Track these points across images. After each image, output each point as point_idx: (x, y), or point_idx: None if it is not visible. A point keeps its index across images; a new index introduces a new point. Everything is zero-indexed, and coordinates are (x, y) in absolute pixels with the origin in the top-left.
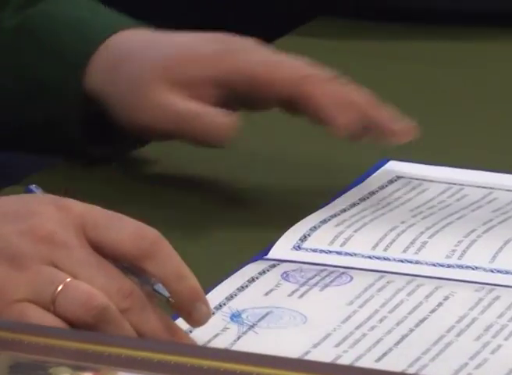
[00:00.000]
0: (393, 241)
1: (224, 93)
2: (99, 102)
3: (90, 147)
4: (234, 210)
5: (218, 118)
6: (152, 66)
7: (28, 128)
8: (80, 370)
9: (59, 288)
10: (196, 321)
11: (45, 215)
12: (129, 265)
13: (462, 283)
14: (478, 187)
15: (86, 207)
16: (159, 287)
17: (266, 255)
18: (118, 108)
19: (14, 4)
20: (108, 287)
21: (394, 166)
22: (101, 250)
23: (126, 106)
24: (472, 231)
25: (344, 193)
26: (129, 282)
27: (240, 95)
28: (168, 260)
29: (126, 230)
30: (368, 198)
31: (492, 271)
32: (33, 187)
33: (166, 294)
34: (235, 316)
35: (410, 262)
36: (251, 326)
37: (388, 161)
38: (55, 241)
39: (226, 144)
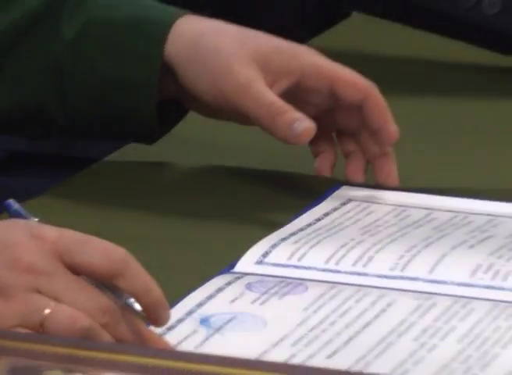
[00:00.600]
0: (344, 255)
1: (291, 85)
2: (174, 80)
3: (159, 127)
4: (207, 228)
5: (302, 122)
6: (244, 51)
7: (107, 120)
8: (71, 373)
9: (46, 312)
10: (160, 324)
11: (23, 246)
12: (103, 282)
13: (403, 292)
14: (420, 208)
15: (58, 232)
16: (130, 302)
17: (233, 268)
18: (200, 83)
19: (69, 13)
20: (87, 305)
21: (346, 190)
22: (77, 271)
23: (211, 83)
24: (413, 247)
25: (302, 214)
26: (105, 299)
27: (301, 91)
28: (136, 277)
29: (96, 252)
30: (323, 218)
31: (430, 281)
32: (11, 201)
33: (137, 308)
34: (204, 321)
35: (359, 274)
36: (218, 330)
37: (341, 186)
38: (35, 270)
39: (299, 144)
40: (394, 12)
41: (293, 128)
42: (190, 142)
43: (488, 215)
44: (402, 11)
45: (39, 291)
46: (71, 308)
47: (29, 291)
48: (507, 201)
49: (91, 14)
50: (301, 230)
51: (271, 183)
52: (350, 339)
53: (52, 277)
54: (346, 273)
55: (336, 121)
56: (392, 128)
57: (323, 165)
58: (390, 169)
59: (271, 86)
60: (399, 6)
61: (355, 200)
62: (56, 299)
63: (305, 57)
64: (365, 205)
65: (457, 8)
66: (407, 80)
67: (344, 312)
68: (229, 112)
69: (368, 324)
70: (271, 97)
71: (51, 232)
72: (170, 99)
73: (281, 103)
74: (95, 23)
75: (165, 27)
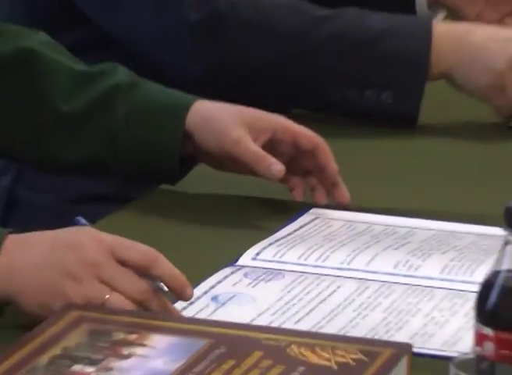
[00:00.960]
0: (310, 255)
1: (268, 139)
2: (192, 142)
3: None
4: (220, 236)
5: (276, 165)
6: (237, 119)
7: (145, 170)
8: (130, 334)
9: (105, 298)
10: (186, 299)
11: (88, 246)
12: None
13: (348, 278)
14: (363, 222)
15: (111, 237)
16: (161, 286)
17: (236, 262)
18: (209, 141)
19: (121, 97)
20: (132, 288)
21: (315, 211)
22: (123, 264)
23: (216, 140)
24: (357, 248)
25: (284, 226)
26: (143, 283)
27: (275, 143)
28: (163, 267)
29: (136, 251)
30: (298, 230)
31: (366, 272)
32: (80, 218)
33: (164, 289)
34: (214, 298)
35: (319, 267)
36: (223, 304)
37: (311, 208)
38: (97, 264)
39: (275, 180)
40: (320, 108)
41: (271, 169)
42: (208, 180)
43: (408, 227)
44: (325, 107)
45: (100, 279)
46: (121, 296)
47: (93, 280)
48: (421, 218)
49: (136, 99)
50: (283, 237)
51: (264, 206)
52: (311, 310)
53: (107, 269)
54: (311, 266)
55: (301, 165)
56: (333, 166)
57: (297, 194)
58: (342, 193)
59: (255, 140)
60: (319, 104)
61: (320, 217)
62: (110, 285)
63: (276, 120)
64: (327, 220)
65: (363, 100)
66: (346, 133)
67: (308, 292)
68: (229, 161)
69: (323, 300)
70: (255, 147)
71: (106, 237)
72: (186, 156)
73: (262, 152)
74: (139, 105)
75: (185, 108)
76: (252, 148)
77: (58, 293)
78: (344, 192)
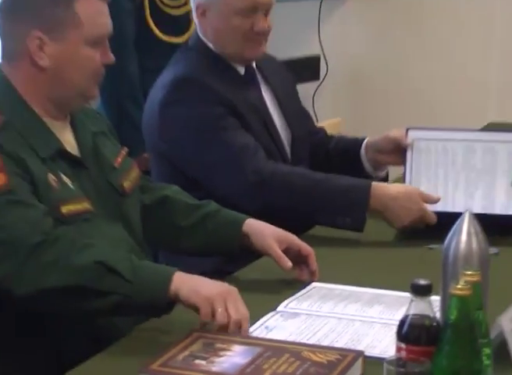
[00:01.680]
0: (312, 306)
1: (284, 247)
2: (247, 236)
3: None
4: (266, 295)
5: (288, 263)
6: (270, 234)
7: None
8: (223, 344)
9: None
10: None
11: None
12: None
13: (332, 318)
14: (338, 289)
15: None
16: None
17: (276, 309)
18: (256, 244)
19: (211, 217)
20: (235, 313)
21: (314, 284)
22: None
23: (261, 242)
24: (336, 302)
25: (298, 291)
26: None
27: (288, 249)
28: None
29: (235, 309)
30: (306, 293)
31: (342, 314)
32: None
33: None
34: (266, 327)
35: (318, 311)
36: (270, 330)
37: (312, 282)
38: (224, 298)
39: (289, 270)
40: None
41: (286, 265)
42: (259, 271)
43: (361, 292)
44: (318, 225)
45: (225, 301)
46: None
47: (222, 299)
48: (367, 287)
49: (218, 220)
50: (298, 297)
51: (287, 282)
52: (314, 334)
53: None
54: (313, 311)
55: (300, 260)
56: (314, 265)
57: (301, 276)
58: (315, 276)
59: (278, 246)
60: (317, 224)
61: (316, 287)
62: (228, 308)
63: (289, 237)
64: (319, 288)
65: (336, 222)
66: (331, 242)
67: (312, 325)
68: (267, 254)
69: (320, 329)
70: (278, 251)
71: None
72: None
73: (282, 254)
74: (219, 223)
75: (241, 224)
76: (277, 251)
77: (204, 294)
78: (316, 275)
